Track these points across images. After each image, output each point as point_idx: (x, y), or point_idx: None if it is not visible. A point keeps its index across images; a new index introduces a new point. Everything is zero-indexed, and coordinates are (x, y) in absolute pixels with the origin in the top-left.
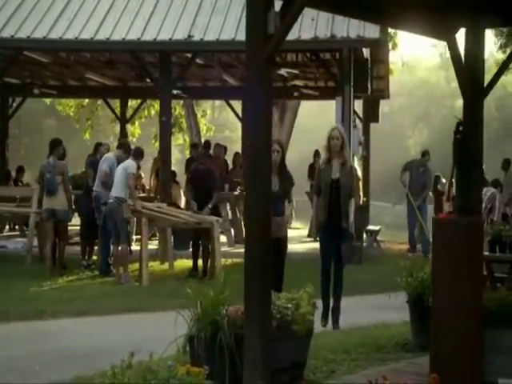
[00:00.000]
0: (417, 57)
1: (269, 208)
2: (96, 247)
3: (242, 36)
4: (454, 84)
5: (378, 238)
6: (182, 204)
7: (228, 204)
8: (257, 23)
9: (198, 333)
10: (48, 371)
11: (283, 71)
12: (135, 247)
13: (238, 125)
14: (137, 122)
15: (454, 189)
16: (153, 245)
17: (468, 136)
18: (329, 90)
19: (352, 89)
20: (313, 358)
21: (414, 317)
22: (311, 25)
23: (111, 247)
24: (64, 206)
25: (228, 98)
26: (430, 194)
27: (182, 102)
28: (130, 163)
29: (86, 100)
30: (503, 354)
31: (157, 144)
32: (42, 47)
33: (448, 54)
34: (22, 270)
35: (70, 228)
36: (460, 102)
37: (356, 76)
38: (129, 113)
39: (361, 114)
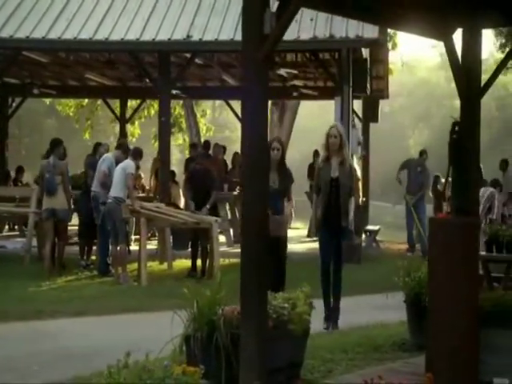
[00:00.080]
0: (417, 57)
1: (266, 208)
2: (95, 247)
3: (240, 36)
4: (455, 84)
5: (378, 237)
6: (182, 204)
7: (227, 204)
8: (253, 23)
9: (195, 333)
10: (46, 371)
11: (282, 71)
12: (134, 247)
13: (238, 125)
14: (136, 122)
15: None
16: (152, 245)
17: (465, 136)
18: (328, 89)
19: (351, 89)
20: (310, 358)
21: (411, 316)
22: (310, 25)
23: (110, 247)
24: (64, 205)
25: (227, 97)
26: (430, 194)
27: (181, 102)
28: (128, 163)
29: (86, 100)
30: (498, 354)
31: (156, 144)
32: (41, 47)
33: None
34: (20, 270)
35: (69, 228)
36: None
37: (355, 76)
38: (128, 113)
39: (360, 114)
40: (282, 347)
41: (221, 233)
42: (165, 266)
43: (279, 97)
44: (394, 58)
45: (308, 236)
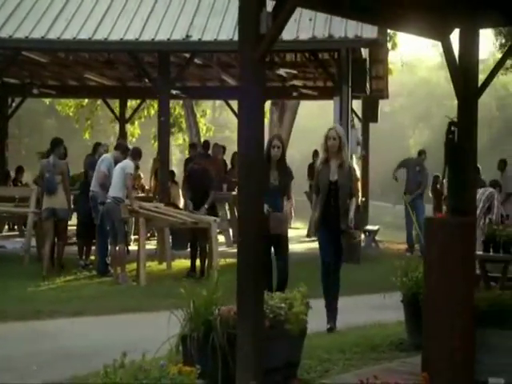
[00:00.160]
0: (417, 56)
1: (262, 208)
2: (94, 247)
3: None
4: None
5: (377, 238)
6: (181, 204)
7: (226, 204)
8: (249, 23)
9: (191, 332)
10: (45, 371)
11: (282, 71)
12: (133, 247)
13: None
14: (136, 122)
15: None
16: (151, 245)
17: (462, 136)
18: (327, 89)
19: (350, 89)
20: (307, 358)
21: (408, 316)
22: (309, 25)
23: (109, 247)
24: (64, 204)
25: (227, 97)
26: (430, 194)
27: (181, 102)
28: (127, 163)
29: (86, 100)
30: (494, 354)
31: (156, 144)
32: (41, 47)
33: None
34: (19, 270)
35: (68, 228)
36: None
37: (354, 76)
38: (128, 113)
39: (360, 114)
40: (278, 347)
41: (220, 233)
42: (164, 266)
43: (279, 97)
44: (394, 57)
45: (308, 236)
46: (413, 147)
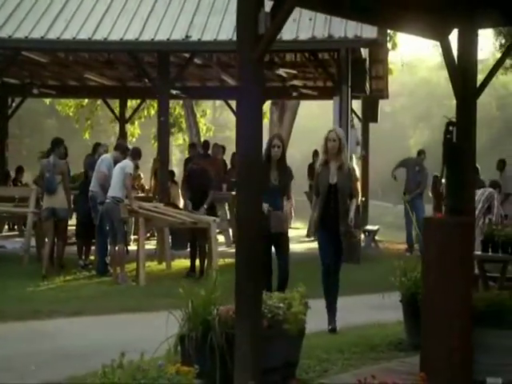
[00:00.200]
0: (418, 56)
1: (261, 208)
2: (93, 247)
3: None
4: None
5: (378, 238)
6: (181, 204)
7: (226, 204)
8: (247, 24)
9: (189, 332)
10: (44, 371)
11: (281, 71)
12: (133, 247)
13: None
14: (136, 122)
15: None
16: (151, 245)
17: (461, 136)
18: (327, 89)
19: (350, 89)
20: (306, 358)
21: (407, 316)
22: (309, 25)
23: (108, 247)
24: (64, 204)
25: (227, 97)
26: (430, 194)
27: (181, 102)
28: (127, 163)
29: (86, 100)
30: (492, 353)
31: (157, 144)
32: (40, 47)
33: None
34: (19, 270)
35: (68, 228)
36: None
37: (354, 76)
38: (128, 113)
39: (360, 114)
40: (277, 347)
41: (220, 233)
42: (163, 265)
43: (279, 97)
44: (394, 57)
45: (307, 236)
46: (413, 147)
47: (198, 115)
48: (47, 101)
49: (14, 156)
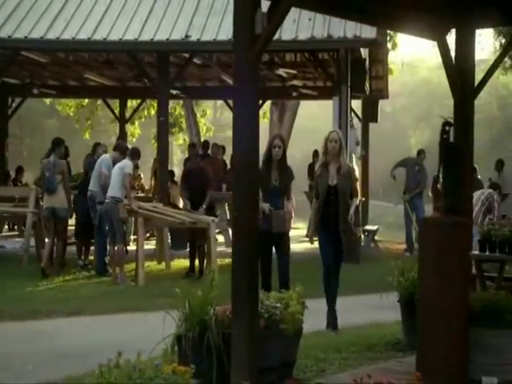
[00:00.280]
0: (418, 56)
1: (257, 208)
2: (92, 247)
3: None
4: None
5: (378, 237)
6: (181, 204)
7: (226, 204)
8: (244, 24)
9: (186, 332)
10: (41, 371)
11: (281, 71)
12: (133, 247)
13: None
14: (136, 122)
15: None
16: (151, 245)
17: (459, 136)
18: (327, 89)
19: (349, 89)
20: (303, 357)
21: (405, 316)
22: (308, 25)
23: (108, 247)
24: (64, 204)
25: (227, 97)
26: (430, 194)
27: (181, 102)
28: (126, 163)
29: (86, 100)
30: (488, 353)
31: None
32: (40, 47)
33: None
34: (18, 270)
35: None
36: None
37: (353, 76)
38: (129, 113)
39: (360, 114)
40: (273, 347)
41: (219, 233)
42: (163, 265)
43: (279, 97)
44: (394, 57)
45: (307, 236)
46: (414, 147)
47: (198, 115)
48: (47, 101)
49: (15, 156)
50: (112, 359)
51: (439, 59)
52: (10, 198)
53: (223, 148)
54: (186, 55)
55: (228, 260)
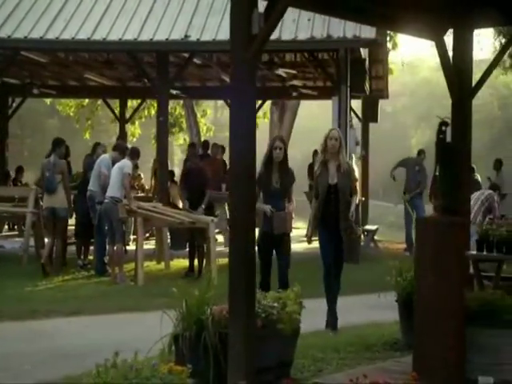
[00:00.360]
0: (419, 56)
1: (254, 208)
2: (92, 247)
3: None
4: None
5: (378, 237)
6: (181, 204)
7: (226, 204)
8: (241, 24)
9: (183, 332)
10: (40, 370)
11: (281, 71)
12: (132, 247)
13: None
14: (137, 122)
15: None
16: (150, 244)
17: (456, 136)
18: (327, 89)
19: (349, 88)
20: (301, 357)
21: (403, 316)
22: (308, 25)
23: (107, 247)
24: (63, 204)
25: (227, 97)
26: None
27: (182, 102)
28: (125, 163)
29: (86, 100)
30: (484, 353)
31: None
32: (39, 47)
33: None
34: (18, 270)
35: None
36: None
37: (353, 76)
38: (129, 113)
39: (360, 114)
40: (270, 346)
41: (219, 233)
42: (162, 265)
43: (279, 97)
44: (395, 57)
45: (307, 236)
46: (415, 147)
47: (199, 115)
48: (48, 101)
49: (16, 156)
50: (109, 359)
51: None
52: (9, 198)
53: (223, 148)
54: (186, 55)
55: (227, 260)
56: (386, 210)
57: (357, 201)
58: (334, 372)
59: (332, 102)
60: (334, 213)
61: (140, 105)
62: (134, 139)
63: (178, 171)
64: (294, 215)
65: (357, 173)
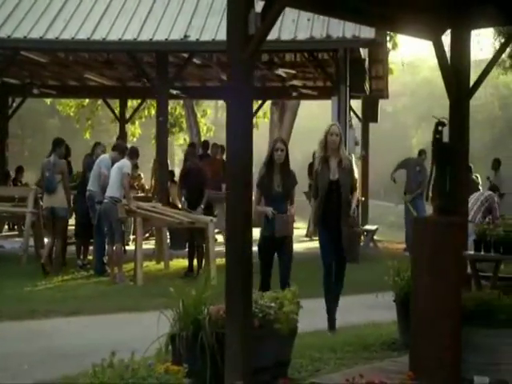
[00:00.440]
0: (420, 56)
1: (250, 208)
2: (91, 247)
3: None
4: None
5: (377, 237)
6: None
7: (225, 204)
8: (238, 24)
9: (180, 332)
10: (39, 370)
11: (281, 71)
12: (132, 247)
13: None
14: (137, 122)
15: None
16: (150, 244)
17: (454, 136)
18: (327, 89)
19: (348, 88)
20: (299, 357)
21: (401, 316)
22: (307, 25)
23: (106, 247)
24: (63, 203)
25: (225, 97)
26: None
27: (182, 102)
28: (125, 163)
29: (87, 100)
30: (480, 352)
31: None
32: (39, 47)
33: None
34: (17, 270)
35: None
36: None
37: (353, 76)
38: (129, 113)
39: (360, 114)
40: (268, 346)
41: (219, 233)
42: (162, 265)
43: (279, 97)
44: (395, 57)
45: (306, 236)
46: (415, 147)
47: (199, 115)
48: (48, 101)
49: (16, 156)
50: (106, 359)
51: None
52: (9, 198)
53: (223, 148)
54: (186, 55)
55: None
56: (387, 209)
57: (357, 196)
58: (332, 372)
59: (331, 102)
60: (336, 209)
61: (140, 105)
62: (135, 139)
63: (178, 171)
64: (294, 217)
65: (356, 173)
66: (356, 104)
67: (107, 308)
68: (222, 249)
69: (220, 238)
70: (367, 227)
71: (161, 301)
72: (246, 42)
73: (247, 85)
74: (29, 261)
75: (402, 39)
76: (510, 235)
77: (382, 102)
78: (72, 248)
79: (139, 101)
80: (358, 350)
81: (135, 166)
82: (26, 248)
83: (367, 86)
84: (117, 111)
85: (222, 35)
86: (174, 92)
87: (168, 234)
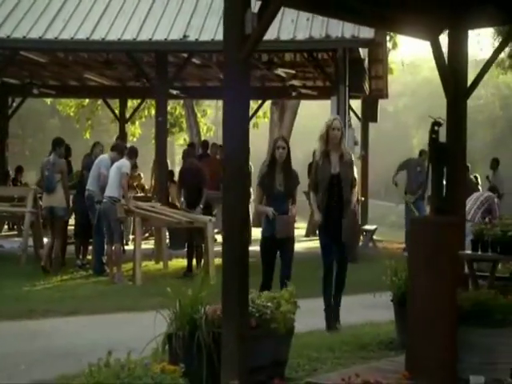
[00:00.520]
0: (420, 56)
1: (247, 208)
2: (91, 247)
3: None
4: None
5: (377, 237)
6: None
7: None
8: (234, 24)
9: (177, 331)
10: (37, 370)
11: (281, 71)
12: (131, 246)
13: None
14: (137, 122)
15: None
16: (150, 244)
17: (451, 136)
18: (327, 89)
19: (347, 88)
20: (296, 357)
21: (398, 316)
22: (306, 25)
23: (105, 247)
24: (62, 203)
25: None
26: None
27: (182, 102)
28: (124, 162)
29: (87, 100)
30: (476, 352)
31: None
32: (38, 47)
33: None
34: (16, 270)
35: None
36: None
37: (352, 76)
38: (129, 112)
39: (360, 114)
40: (264, 346)
41: (218, 233)
42: (161, 265)
43: (278, 97)
44: (395, 57)
45: (306, 236)
46: (416, 147)
47: (199, 115)
48: (48, 101)
49: (17, 156)
50: (102, 358)
51: None
52: (9, 198)
53: (221, 147)
54: (185, 55)
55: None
56: (388, 209)
57: (356, 195)
58: (329, 371)
59: (331, 102)
60: (338, 203)
61: (140, 105)
62: (135, 139)
63: (177, 171)
64: (295, 218)
65: (356, 173)
66: (356, 104)
67: (106, 308)
68: (221, 249)
69: (219, 237)
70: (366, 227)
71: (160, 301)
72: (242, 42)
73: (244, 84)
74: (28, 261)
75: (402, 39)
76: (508, 235)
77: (382, 102)
78: (71, 248)
79: (139, 101)
80: (355, 349)
81: (134, 166)
82: (25, 248)
83: (367, 85)
84: (117, 111)
85: (222, 35)
86: (174, 92)
87: (167, 233)
